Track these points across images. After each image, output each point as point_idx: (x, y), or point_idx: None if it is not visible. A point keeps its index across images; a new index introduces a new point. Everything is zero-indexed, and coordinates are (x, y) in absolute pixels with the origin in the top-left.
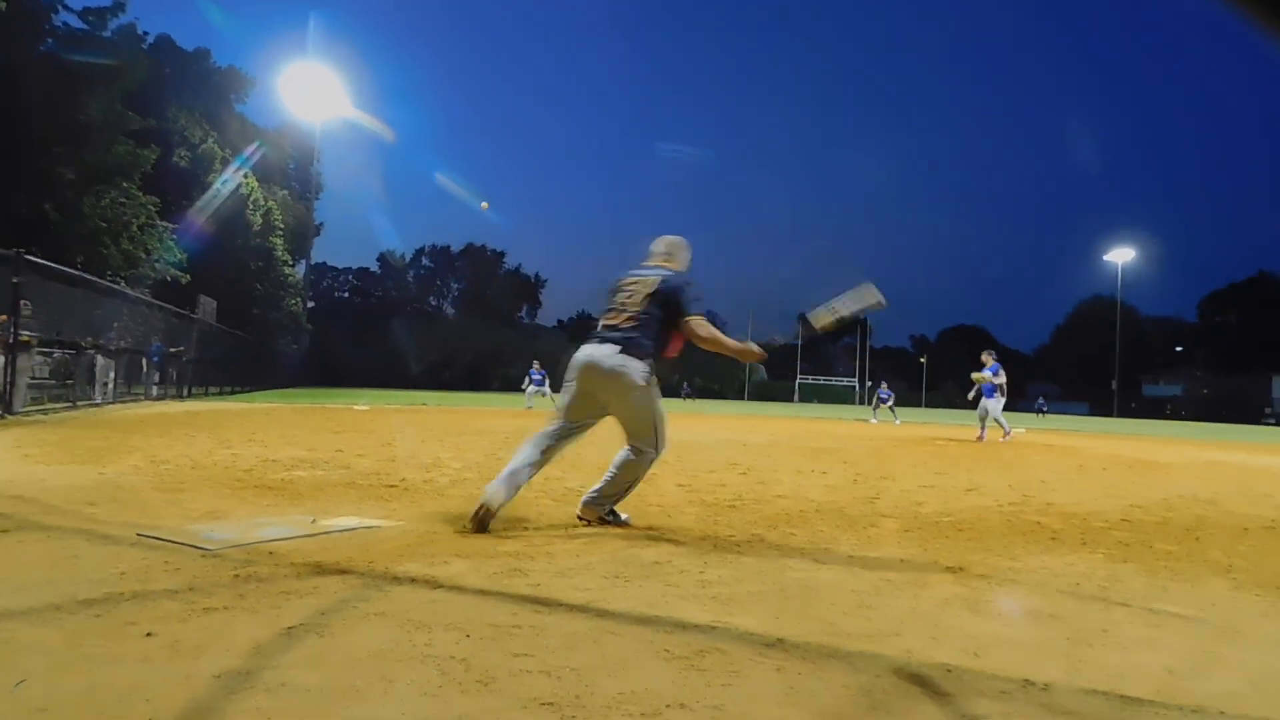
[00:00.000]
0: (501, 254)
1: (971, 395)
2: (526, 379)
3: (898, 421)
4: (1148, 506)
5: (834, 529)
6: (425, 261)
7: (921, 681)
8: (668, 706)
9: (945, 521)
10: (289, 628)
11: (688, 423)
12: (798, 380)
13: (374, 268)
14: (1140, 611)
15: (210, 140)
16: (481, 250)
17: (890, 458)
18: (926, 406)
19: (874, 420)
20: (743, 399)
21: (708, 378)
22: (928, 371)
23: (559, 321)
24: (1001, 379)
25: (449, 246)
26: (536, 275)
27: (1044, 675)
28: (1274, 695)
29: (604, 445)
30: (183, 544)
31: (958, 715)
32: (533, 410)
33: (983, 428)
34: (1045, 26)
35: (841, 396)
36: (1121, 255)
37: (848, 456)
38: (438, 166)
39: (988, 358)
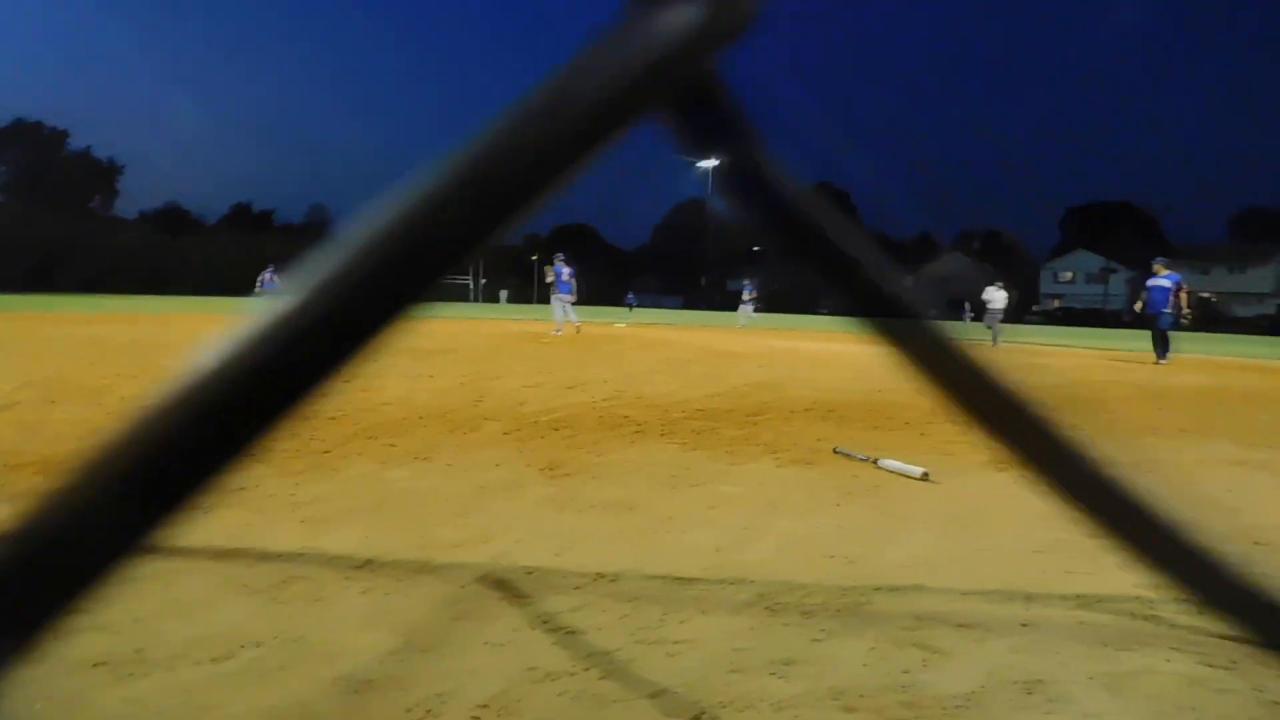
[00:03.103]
0: (64, 133)
1: None
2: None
3: None
4: (720, 394)
5: (438, 434)
6: None
7: (505, 586)
8: (242, 647)
9: (544, 421)
10: None
11: None
12: None
13: None
14: (704, 494)
15: None
16: (37, 128)
17: (501, 356)
18: (539, 303)
19: None
20: None
21: None
22: (539, 268)
23: (142, 213)
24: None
25: None
26: (111, 160)
27: (615, 566)
28: (792, 556)
29: None
30: None
31: (535, 615)
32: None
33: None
34: None
35: (457, 294)
36: (710, 160)
37: (461, 357)
38: None
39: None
